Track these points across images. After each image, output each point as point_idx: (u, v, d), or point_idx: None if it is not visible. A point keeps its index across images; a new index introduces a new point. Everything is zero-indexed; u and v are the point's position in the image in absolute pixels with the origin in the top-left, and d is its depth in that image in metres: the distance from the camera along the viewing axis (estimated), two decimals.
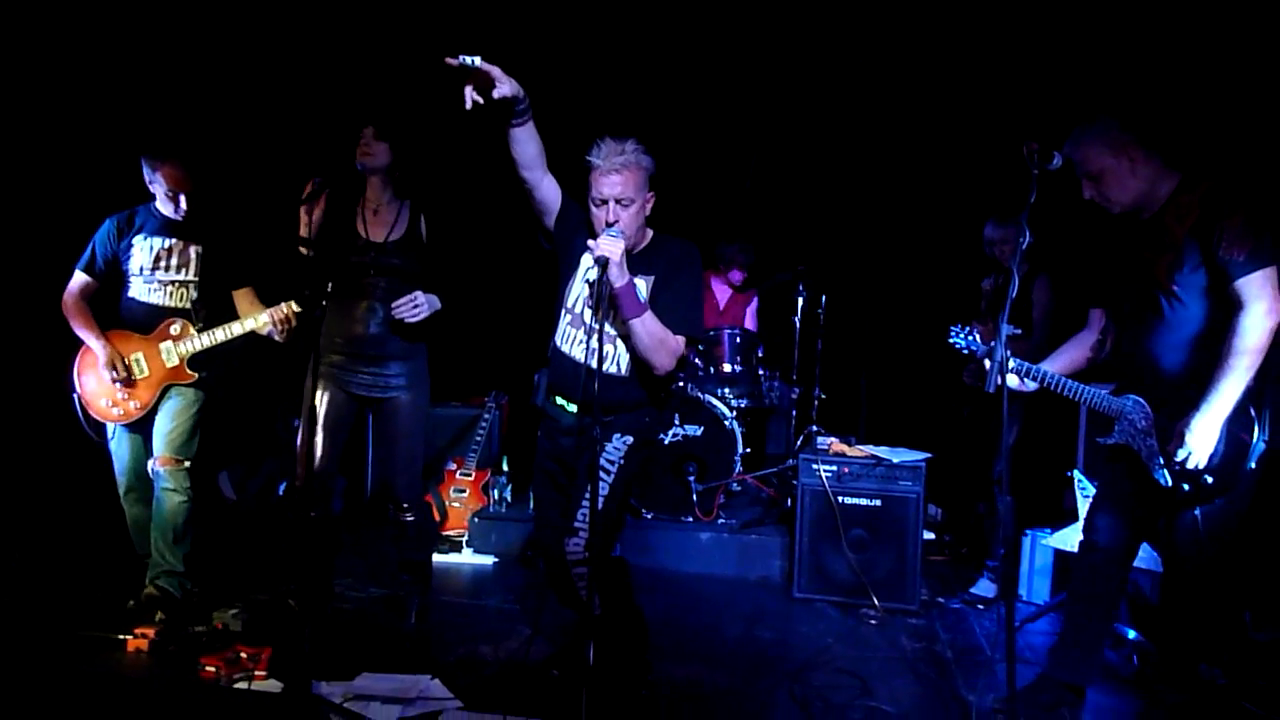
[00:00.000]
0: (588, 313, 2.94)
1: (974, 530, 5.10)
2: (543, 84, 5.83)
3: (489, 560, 4.96)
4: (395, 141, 3.58)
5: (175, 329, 3.77)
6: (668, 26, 5.41)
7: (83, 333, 3.76)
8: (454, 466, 5.45)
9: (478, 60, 2.58)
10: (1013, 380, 3.03)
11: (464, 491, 5.36)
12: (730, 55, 5.62)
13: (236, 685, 3.18)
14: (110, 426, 3.84)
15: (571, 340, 3.03)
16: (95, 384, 3.78)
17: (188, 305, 3.82)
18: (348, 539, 5.00)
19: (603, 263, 2.71)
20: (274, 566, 4.44)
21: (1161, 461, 2.86)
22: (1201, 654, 3.14)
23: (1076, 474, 4.17)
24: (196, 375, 3.79)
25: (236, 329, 3.72)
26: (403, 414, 3.69)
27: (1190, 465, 2.79)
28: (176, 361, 3.76)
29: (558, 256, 3.12)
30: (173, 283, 3.81)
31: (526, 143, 2.84)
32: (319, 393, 3.60)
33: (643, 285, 2.93)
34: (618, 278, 2.75)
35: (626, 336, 2.91)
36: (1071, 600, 3.20)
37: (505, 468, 5.57)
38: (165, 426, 3.78)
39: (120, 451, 3.86)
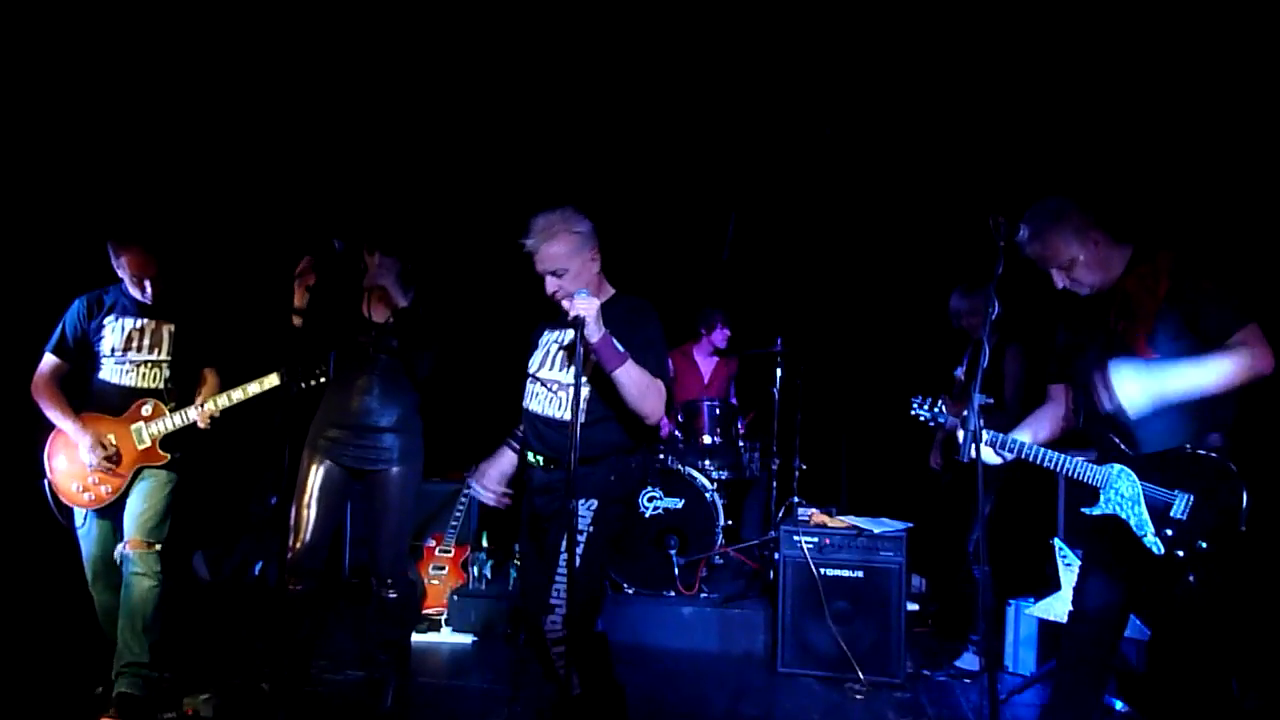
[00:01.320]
0: (552, 372, 3.07)
1: (957, 601, 5.07)
2: (523, 156, 5.97)
3: (468, 639, 4.87)
4: (401, 254, 3.65)
5: (147, 409, 3.70)
6: (646, 98, 5.56)
7: (55, 415, 3.66)
8: (433, 543, 5.38)
9: None
10: (988, 454, 3.04)
11: (443, 569, 5.29)
12: (707, 127, 5.76)
13: None
14: (79, 512, 3.72)
15: (534, 396, 3.12)
16: (66, 467, 3.68)
17: (160, 385, 3.76)
18: (326, 619, 4.90)
19: (580, 322, 2.77)
20: (248, 649, 4.35)
21: (1153, 531, 2.86)
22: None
23: (1057, 542, 4.17)
24: (169, 456, 3.73)
25: (191, 414, 3.67)
26: (392, 487, 3.67)
27: (1108, 407, 2.81)
28: (149, 443, 3.69)
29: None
30: (145, 363, 3.75)
31: None
32: (314, 467, 3.60)
33: (617, 343, 2.96)
34: (594, 333, 2.82)
35: (600, 389, 2.97)
36: (1060, 670, 3.16)
37: (485, 544, 5.51)
38: (137, 509, 3.67)
39: (88, 537, 3.73)
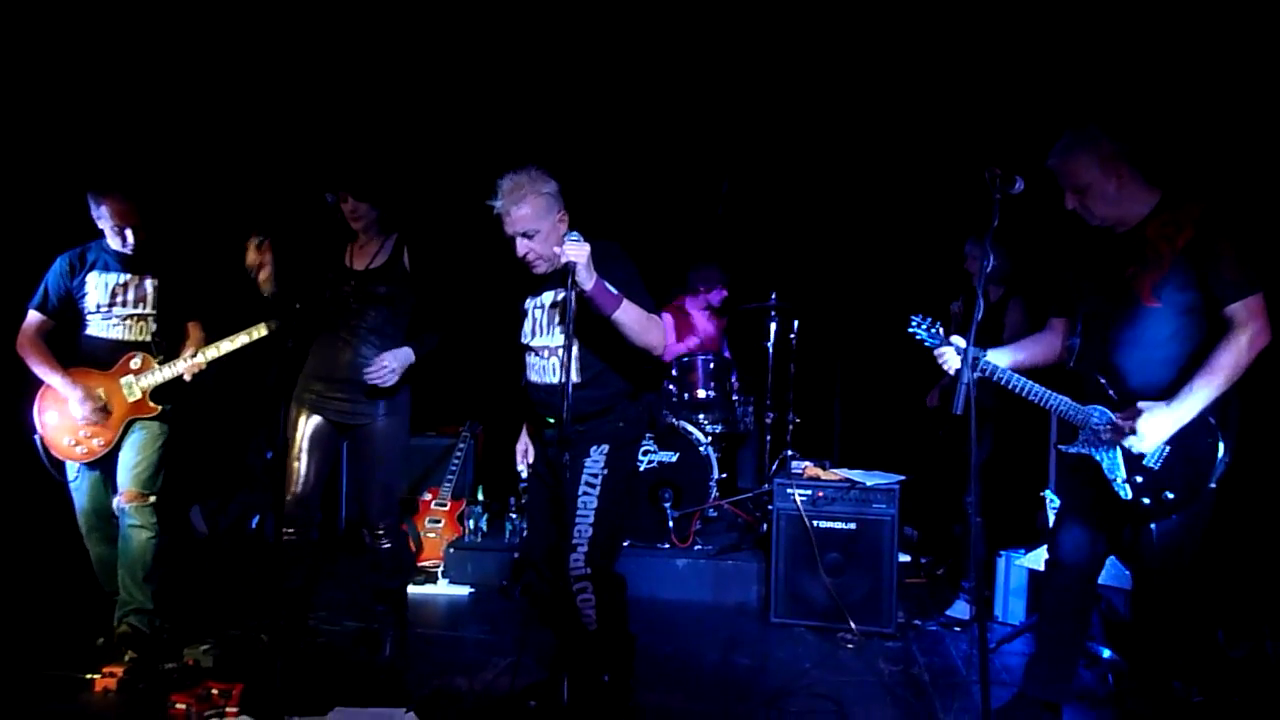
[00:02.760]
0: (543, 338, 3.14)
1: (950, 551, 5.13)
2: (518, 112, 5.90)
3: (465, 591, 4.92)
4: (376, 199, 3.65)
5: (135, 363, 3.72)
6: (641, 53, 5.48)
7: (43, 371, 3.67)
8: (429, 497, 5.42)
9: None
10: (954, 359, 3.02)
11: (439, 522, 5.33)
12: (703, 80, 5.68)
13: None
14: (71, 466, 3.75)
15: (531, 368, 3.20)
16: (57, 421, 3.69)
17: (148, 338, 3.77)
18: (324, 570, 4.94)
19: (571, 268, 2.80)
20: (246, 600, 4.39)
21: (1123, 475, 2.89)
22: (1174, 671, 3.16)
23: (1048, 494, 4.20)
24: (160, 408, 3.75)
25: (180, 366, 3.70)
26: (379, 439, 3.68)
27: (1135, 451, 2.83)
28: (139, 395, 3.71)
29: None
30: (131, 316, 3.76)
31: None
32: (301, 419, 3.64)
33: (610, 285, 2.98)
34: (586, 279, 2.84)
35: (591, 344, 3.02)
36: (1042, 618, 3.22)
37: (481, 497, 5.55)
38: (130, 461, 3.71)
39: (81, 491, 3.77)
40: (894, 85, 5.47)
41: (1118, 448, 2.89)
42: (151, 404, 3.74)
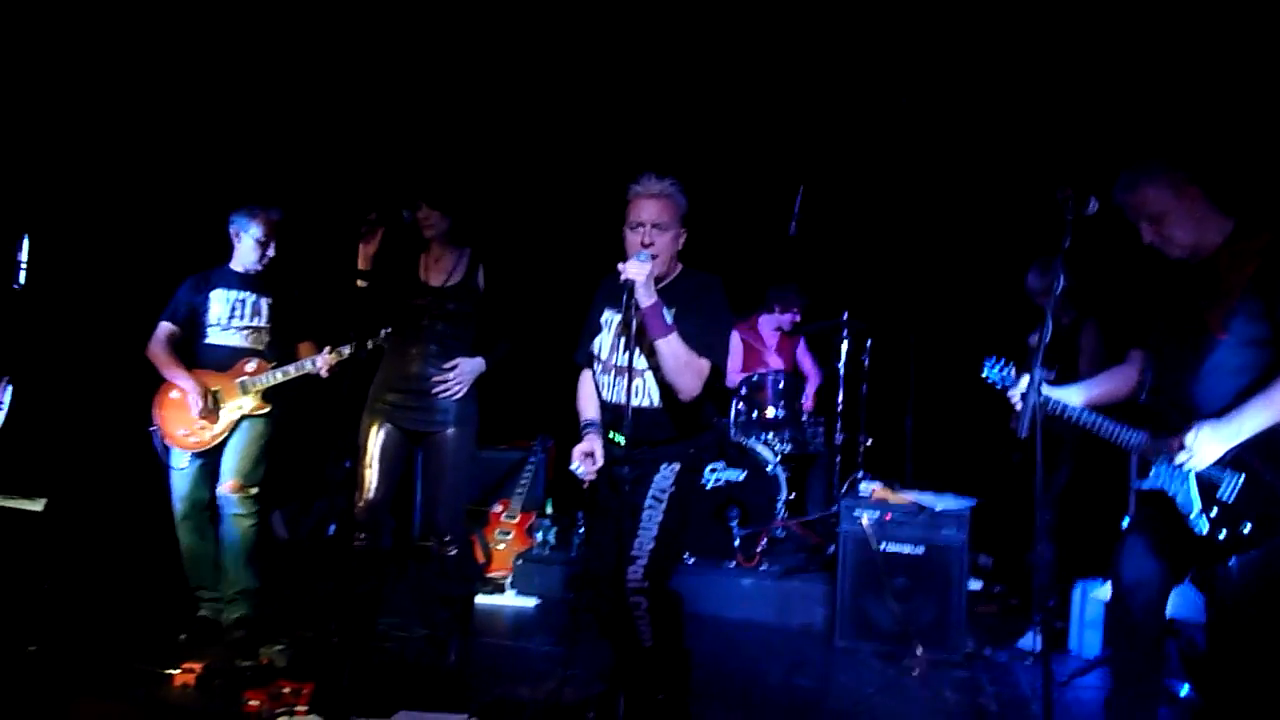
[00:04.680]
0: (615, 356, 3.10)
1: (1024, 580, 4.99)
2: (591, 129, 6.00)
3: (532, 602, 4.99)
4: (449, 208, 3.75)
5: (251, 366, 4.11)
6: (715, 66, 5.54)
7: (171, 373, 4.08)
8: (499, 509, 5.51)
9: None
10: (1015, 397, 3.00)
11: (509, 534, 5.41)
12: (779, 102, 5.72)
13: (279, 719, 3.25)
14: (180, 455, 4.08)
15: (607, 387, 3.17)
16: (174, 414, 4.08)
17: (262, 347, 4.17)
18: (395, 577, 5.06)
19: (630, 286, 2.83)
20: (321, 604, 4.53)
21: (1198, 509, 2.79)
22: (1252, 709, 3.02)
23: (1127, 522, 4.07)
24: (269, 406, 4.09)
25: (307, 365, 4.03)
26: (449, 447, 3.78)
27: (1185, 467, 2.75)
28: (251, 395, 4.09)
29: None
30: (247, 328, 4.17)
31: None
32: (374, 429, 3.76)
33: (667, 315, 2.99)
34: (645, 298, 2.86)
35: (656, 367, 2.99)
36: (1114, 652, 3.13)
37: (550, 510, 5.62)
38: (235, 455, 4.07)
39: (185, 477, 4.09)
40: (975, 102, 5.41)
41: (1191, 483, 2.80)
42: (262, 402, 4.09)
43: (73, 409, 5.21)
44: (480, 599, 4.75)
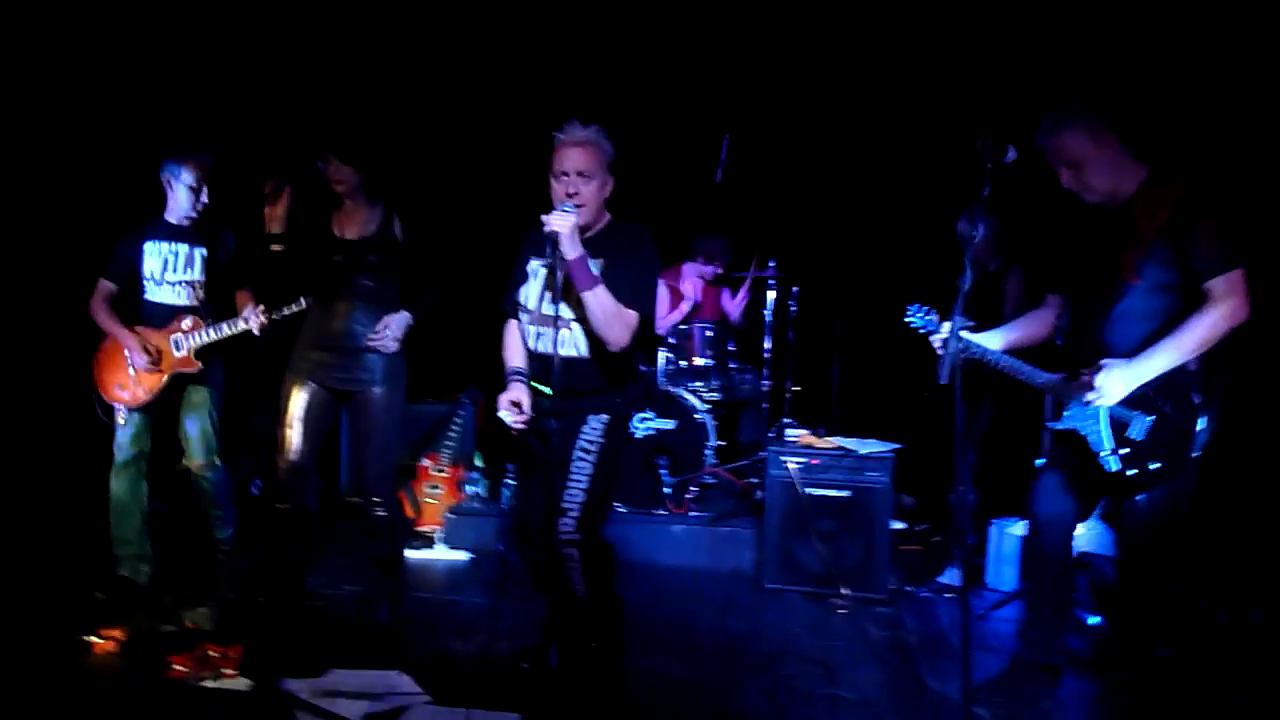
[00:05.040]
0: (543, 304, 3.05)
1: (945, 520, 5.16)
2: (518, 74, 5.88)
3: (464, 556, 4.98)
4: (360, 163, 3.64)
5: (186, 323, 4.17)
6: (646, 20, 5.46)
7: (109, 327, 4.15)
8: (428, 463, 5.46)
9: None
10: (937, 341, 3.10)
11: (438, 488, 5.37)
12: (703, 45, 5.67)
13: (205, 684, 3.19)
14: (120, 411, 4.15)
15: (533, 337, 3.12)
16: (110, 372, 4.17)
17: (196, 303, 4.20)
18: (322, 536, 4.99)
19: (553, 238, 2.80)
20: (244, 566, 4.46)
21: (1110, 448, 2.91)
22: (1158, 636, 3.20)
23: (1041, 463, 4.21)
24: (201, 365, 4.16)
25: (239, 324, 4.05)
26: (376, 406, 3.72)
27: (1094, 404, 2.87)
28: (185, 353, 4.15)
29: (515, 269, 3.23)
30: (182, 283, 4.21)
31: None
32: (296, 389, 3.67)
33: (594, 267, 2.97)
34: (570, 250, 2.84)
35: (583, 318, 2.97)
36: (1027, 584, 3.27)
37: (479, 464, 5.59)
38: (193, 434, 4.29)
39: (125, 432, 4.16)
40: (896, 50, 5.43)
41: (1103, 423, 2.91)
42: (195, 360, 4.15)
43: None
44: (411, 554, 4.72)
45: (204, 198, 4.18)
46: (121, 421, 4.16)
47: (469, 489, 5.36)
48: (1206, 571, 3.62)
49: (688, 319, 5.71)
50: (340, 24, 5.45)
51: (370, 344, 3.61)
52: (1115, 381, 2.82)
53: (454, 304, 3.92)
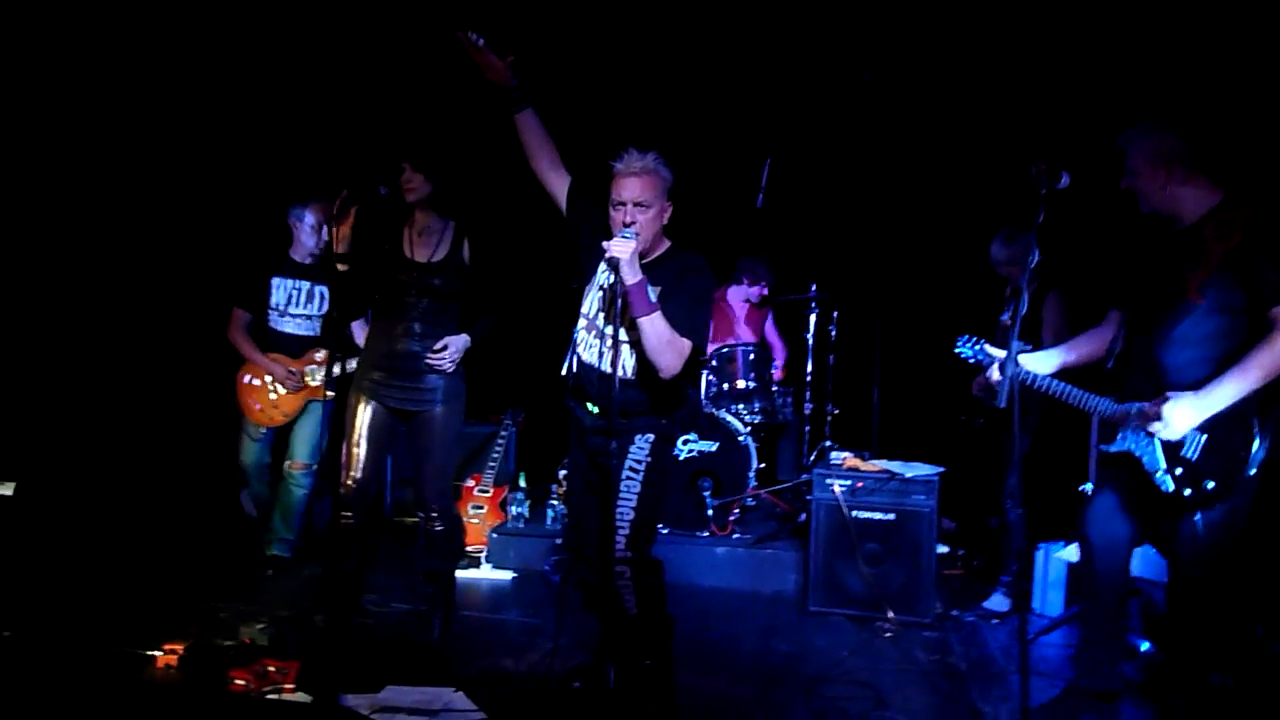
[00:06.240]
0: (601, 318, 3.11)
1: (987, 544, 5.13)
2: (567, 104, 5.99)
3: (508, 575, 5.03)
4: (432, 172, 3.70)
5: (319, 356, 4.71)
6: (690, 46, 5.55)
7: (248, 353, 4.66)
8: (471, 483, 5.52)
9: (481, 41, 3.13)
10: (994, 373, 3.10)
11: (482, 508, 5.43)
12: (747, 73, 5.74)
13: (267, 697, 3.25)
14: (257, 428, 4.70)
15: (585, 345, 3.18)
16: (250, 395, 4.68)
17: (322, 334, 4.70)
18: (374, 553, 5.05)
19: (614, 263, 2.86)
20: (303, 583, 4.53)
21: (1164, 468, 2.91)
22: (1212, 663, 3.17)
23: (1088, 488, 4.20)
24: (332, 395, 4.33)
25: (352, 364, 4.24)
26: (436, 426, 3.80)
27: (1162, 437, 2.86)
28: (318, 383, 4.66)
29: (580, 260, 3.27)
30: (304, 316, 4.69)
31: (526, 132, 3.25)
32: (361, 407, 3.74)
33: (651, 294, 3.02)
34: (629, 276, 2.88)
35: (636, 341, 3.01)
36: (1080, 607, 3.26)
37: (522, 484, 5.64)
38: (301, 437, 4.74)
39: (255, 446, 4.74)
40: (939, 74, 5.47)
41: (1156, 443, 2.91)
42: (327, 392, 4.53)
43: (43, 394, 5.18)
44: (457, 573, 4.76)
45: (325, 235, 4.57)
46: (257, 437, 4.69)
47: (512, 509, 5.41)
48: (1263, 599, 3.58)
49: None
50: (416, 47, 5.58)
51: (429, 364, 3.68)
52: (1183, 413, 2.81)
53: (501, 326, 3.98)
